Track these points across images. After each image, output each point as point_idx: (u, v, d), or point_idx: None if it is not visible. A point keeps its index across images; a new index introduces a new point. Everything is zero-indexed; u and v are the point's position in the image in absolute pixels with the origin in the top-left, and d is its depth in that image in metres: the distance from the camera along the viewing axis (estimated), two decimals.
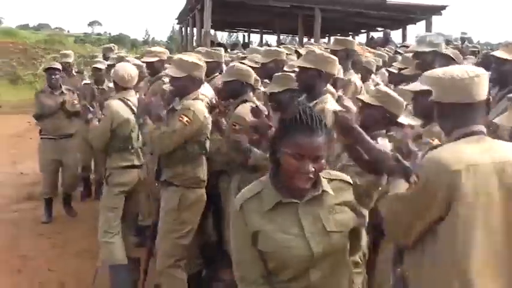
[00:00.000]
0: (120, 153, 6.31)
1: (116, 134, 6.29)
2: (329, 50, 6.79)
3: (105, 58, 10.50)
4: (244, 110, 5.76)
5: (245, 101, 5.90)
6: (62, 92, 9.30)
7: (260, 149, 5.29)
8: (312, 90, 4.97)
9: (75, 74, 11.41)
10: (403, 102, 4.36)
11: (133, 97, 6.34)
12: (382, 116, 4.31)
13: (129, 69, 6.43)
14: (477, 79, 2.85)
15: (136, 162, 6.44)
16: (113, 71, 6.52)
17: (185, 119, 5.35)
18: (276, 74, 5.75)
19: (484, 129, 2.92)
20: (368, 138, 3.68)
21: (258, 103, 5.99)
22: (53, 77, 9.22)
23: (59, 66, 9.51)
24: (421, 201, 2.81)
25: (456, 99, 2.87)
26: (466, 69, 2.90)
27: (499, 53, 5.62)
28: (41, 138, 9.45)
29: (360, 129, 3.73)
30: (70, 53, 11.52)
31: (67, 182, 9.60)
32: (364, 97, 4.50)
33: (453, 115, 2.90)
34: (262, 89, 6.65)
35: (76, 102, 9.24)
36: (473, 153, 2.77)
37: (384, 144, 4.05)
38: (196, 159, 5.59)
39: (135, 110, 6.12)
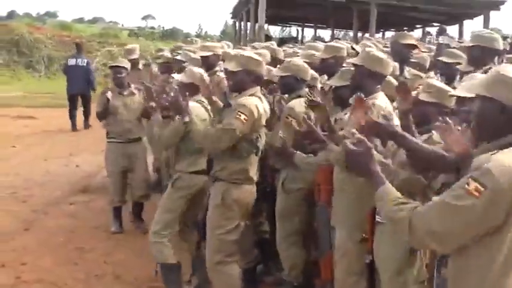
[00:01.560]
0: (193, 156, 6.12)
1: (191, 136, 5.99)
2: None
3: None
4: (297, 104, 5.75)
5: (299, 97, 5.86)
6: (132, 92, 8.48)
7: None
8: (361, 88, 4.84)
9: (141, 68, 10.76)
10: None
11: (202, 97, 6.18)
12: (438, 111, 4.20)
13: (199, 71, 6.36)
14: None
15: (205, 167, 6.11)
16: (186, 72, 6.35)
17: (242, 116, 5.26)
18: (343, 68, 5.65)
19: None
20: (412, 140, 3.63)
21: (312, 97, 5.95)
22: (118, 75, 8.42)
23: (125, 64, 8.66)
24: (485, 211, 2.52)
25: None
26: None
27: None
28: (108, 141, 8.64)
29: (403, 133, 3.69)
30: (135, 47, 11.09)
31: (136, 191, 8.68)
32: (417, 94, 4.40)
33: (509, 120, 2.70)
34: (319, 86, 6.61)
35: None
36: None
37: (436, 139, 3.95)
38: (245, 157, 5.49)
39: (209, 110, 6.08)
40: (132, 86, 8.55)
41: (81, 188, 10.75)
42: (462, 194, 2.54)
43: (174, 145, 6.22)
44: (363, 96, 4.25)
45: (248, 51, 6.23)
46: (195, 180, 6.15)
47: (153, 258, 6.33)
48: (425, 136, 4.03)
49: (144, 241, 7.76)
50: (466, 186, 2.54)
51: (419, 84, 5.63)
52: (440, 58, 7.08)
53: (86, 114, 17.60)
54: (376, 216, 4.38)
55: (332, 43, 7.99)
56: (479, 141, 2.86)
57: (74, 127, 17.34)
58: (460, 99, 4.04)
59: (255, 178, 5.67)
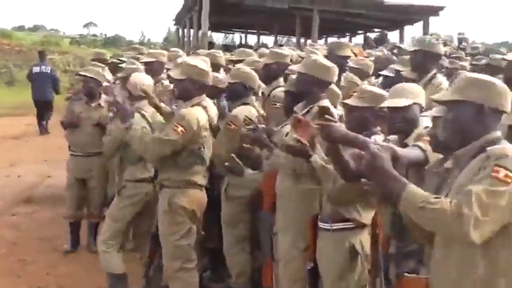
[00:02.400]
0: (137, 165, 6.12)
1: (131, 146, 6.00)
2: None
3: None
4: (242, 111, 5.79)
5: (244, 104, 5.88)
6: (99, 104, 7.83)
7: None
8: (306, 95, 4.95)
9: None
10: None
11: (148, 107, 6.10)
12: (374, 116, 4.28)
13: (143, 79, 6.31)
14: None
15: (152, 174, 6.19)
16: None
17: (179, 128, 5.26)
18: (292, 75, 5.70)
19: None
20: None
21: (258, 108, 5.99)
22: (88, 85, 7.79)
23: (95, 75, 7.81)
24: None
25: (503, 108, 2.86)
26: None
27: None
28: (70, 154, 8.06)
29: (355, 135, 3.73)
30: (102, 53, 10.84)
31: (90, 208, 8.09)
32: (351, 100, 4.46)
33: (490, 121, 2.84)
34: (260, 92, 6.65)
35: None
36: None
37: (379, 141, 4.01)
38: (188, 168, 5.48)
39: (151, 120, 6.04)
40: (103, 97, 7.79)
41: (24, 198, 10.52)
42: (495, 182, 2.60)
43: (112, 154, 6.32)
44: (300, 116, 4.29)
45: (195, 59, 6.19)
46: (141, 188, 6.14)
47: (99, 271, 6.26)
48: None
49: (90, 254, 7.72)
50: (495, 174, 2.61)
51: (354, 91, 5.72)
52: (392, 66, 7.17)
53: (46, 120, 18.06)
54: (319, 223, 4.43)
55: (276, 49, 8.04)
56: (453, 146, 2.92)
57: (42, 131, 17.87)
58: (392, 112, 4.12)
59: (203, 183, 5.66)
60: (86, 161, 7.87)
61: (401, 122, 4.03)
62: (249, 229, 5.99)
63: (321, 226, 4.42)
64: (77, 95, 8.32)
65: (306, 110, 4.87)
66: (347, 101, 4.52)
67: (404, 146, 3.96)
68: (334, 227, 4.30)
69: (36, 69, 18.20)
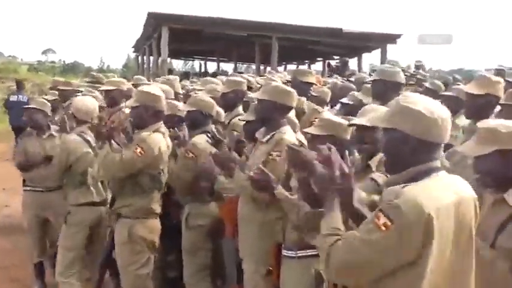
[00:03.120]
0: (78, 190, 6.16)
1: (73, 170, 6.18)
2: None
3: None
4: (201, 140, 5.77)
5: (204, 132, 5.88)
6: (51, 134, 7.32)
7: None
8: (268, 121, 4.93)
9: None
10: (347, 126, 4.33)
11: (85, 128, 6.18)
12: (333, 143, 4.28)
13: (87, 102, 6.33)
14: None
15: (96, 199, 6.25)
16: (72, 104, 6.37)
17: (138, 150, 5.26)
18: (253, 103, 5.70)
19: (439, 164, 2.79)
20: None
21: (217, 134, 5.98)
22: (33, 118, 7.28)
23: (40, 105, 7.36)
24: (394, 246, 2.54)
25: (433, 139, 2.73)
26: (446, 111, 2.78)
27: (469, 88, 5.22)
28: (24, 190, 7.50)
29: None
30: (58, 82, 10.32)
31: (54, 244, 7.10)
32: (311, 129, 4.49)
33: (421, 151, 2.74)
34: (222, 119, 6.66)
35: None
36: (439, 193, 2.63)
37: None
38: (147, 192, 5.49)
39: (94, 144, 6.03)
40: (53, 127, 7.42)
41: None
42: (372, 228, 2.55)
43: (58, 178, 6.45)
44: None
45: (150, 86, 6.23)
46: (86, 212, 6.17)
47: None
48: None
49: (49, 282, 7.58)
50: (376, 220, 2.55)
51: (316, 118, 5.73)
52: (357, 94, 7.20)
53: None
54: (283, 250, 4.43)
55: (232, 77, 8.07)
56: (390, 173, 2.89)
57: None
58: (360, 131, 4.15)
59: (159, 211, 5.66)
60: (45, 196, 7.21)
61: (370, 142, 4.05)
62: (210, 257, 5.97)
63: (285, 254, 4.40)
64: (26, 131, 7.79)
65: (268, 136, 4.86)
66: (307, 130, 4.54)
67: (368, 167, 4.00)
68: (299, 254, 4.28)
69: (13, 98, 19.09)
